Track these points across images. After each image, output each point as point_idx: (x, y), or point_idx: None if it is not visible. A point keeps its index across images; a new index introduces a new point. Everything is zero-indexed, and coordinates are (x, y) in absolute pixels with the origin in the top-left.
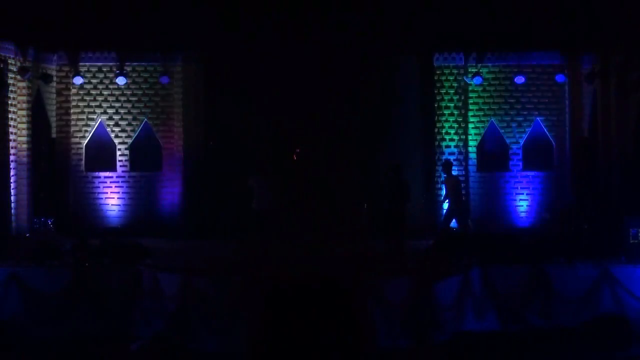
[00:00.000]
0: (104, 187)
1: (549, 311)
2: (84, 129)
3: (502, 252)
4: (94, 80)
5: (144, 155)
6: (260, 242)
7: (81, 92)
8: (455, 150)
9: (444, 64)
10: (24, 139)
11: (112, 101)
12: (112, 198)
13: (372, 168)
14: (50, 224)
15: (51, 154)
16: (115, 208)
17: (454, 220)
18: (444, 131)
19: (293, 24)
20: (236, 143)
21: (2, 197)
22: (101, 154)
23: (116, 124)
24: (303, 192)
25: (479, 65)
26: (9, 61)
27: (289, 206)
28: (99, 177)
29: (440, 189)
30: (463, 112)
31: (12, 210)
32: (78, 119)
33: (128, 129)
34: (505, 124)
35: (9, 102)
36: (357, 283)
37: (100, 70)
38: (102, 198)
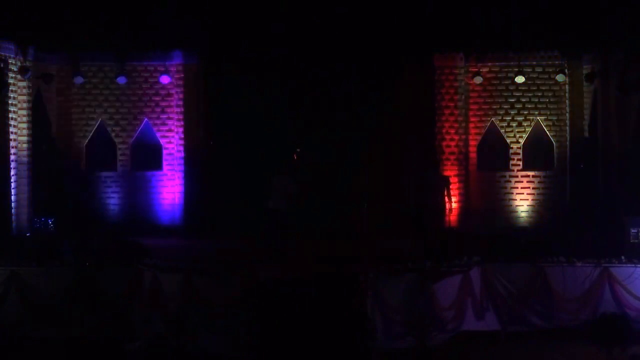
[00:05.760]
0: (104, 186)
1: (549, 311)
2: (84, 128)
3: (502, 252)
4: (94, 80)
5: (144, 154)
6: (270, 241)
7: (81, 92)
8: (456, 149)
9: (444, 64)
10: (25, 138)
11: (113, 101)
12: (112, 198)
13: (372, 167)
14: (50, 224)
15: (51, 154)
16: (116, 208)
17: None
18: (444, 131)
19: (293, 24)
20: (236, 142)
21: (3, 197)
22: (102, 153)
23: (116, 124)
24: (309, 192)
25: (479, 64)
26: (9, 61)
27: (305, 205)
28: (100, 176)
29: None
30: (463, 111)
31: (13, 210)
32: (78, 119)
33: (128, 128)
34: (505, 124)
35: (10, 101)
36: (357, 283)
37: (100, 69)
38: (102, 198)
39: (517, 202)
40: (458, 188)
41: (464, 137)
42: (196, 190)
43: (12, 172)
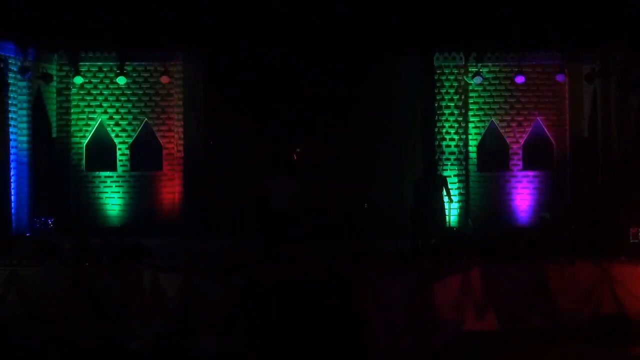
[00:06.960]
0: (104, 186)
1: (549, 311)
2: (84, 128)
3: (502, 252)
4: (94, 80)
5: (144, 155)
6: (272, 241)
7: (81, 92)
8: (456, 149)
9: (444, 64)
10: (25, 138)
11: (113, 101)
12: (112, 198)
13: (372, 167)
14: (50, 224)
15: (51, 154)
16: (116, 208)
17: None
18: (444, 131)
19: (293, 23)
20: (236, 143)
21: (3, 197)
22: (101, 153)
23: (116, 124)
24: (309, 192)
25: (479, 64)
26: (10, 61)
27: (305, 205)
28: (99, 176)
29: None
30: (463, 111)
31: (13, 210)
32: (78, 119)
33: (128, 128)
34: (505, 124)
35: (10, 101)
36: (357, 283)
37: (100, 69)
38: (102, 198)
39: (517, 202)
40: (458, 188)
41: (464, 137)
42: (196, 190)
43: (12, 172)
